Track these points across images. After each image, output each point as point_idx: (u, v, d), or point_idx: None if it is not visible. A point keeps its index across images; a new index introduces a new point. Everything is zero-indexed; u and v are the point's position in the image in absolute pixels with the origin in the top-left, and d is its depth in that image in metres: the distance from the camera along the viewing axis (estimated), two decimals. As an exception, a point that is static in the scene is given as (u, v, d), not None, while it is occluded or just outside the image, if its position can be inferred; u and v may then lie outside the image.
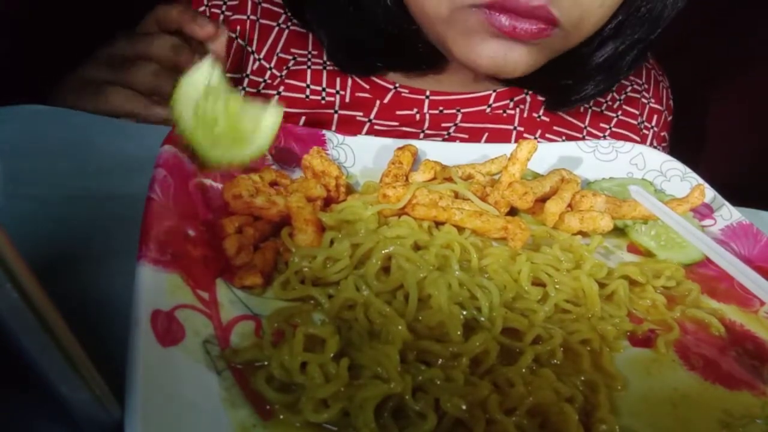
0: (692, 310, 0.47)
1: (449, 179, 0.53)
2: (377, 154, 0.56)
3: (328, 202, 0.49)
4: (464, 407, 0.33)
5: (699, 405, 0.39)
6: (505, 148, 0.57)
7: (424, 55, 0.68)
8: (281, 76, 0.71)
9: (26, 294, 0.21)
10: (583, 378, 0.38)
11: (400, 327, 0.37)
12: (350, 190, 0.52)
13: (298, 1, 0.70)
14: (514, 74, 0.62)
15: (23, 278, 0.21)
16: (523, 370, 0.37)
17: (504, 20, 0.55)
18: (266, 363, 0.34)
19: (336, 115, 0.71)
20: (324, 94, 0.71)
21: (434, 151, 0.57)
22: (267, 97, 0.69)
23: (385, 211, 0.48)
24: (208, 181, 0.46)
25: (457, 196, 0.50)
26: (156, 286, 0.34)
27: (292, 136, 0.54)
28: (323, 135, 0.55)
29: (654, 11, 0.65)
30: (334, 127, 0.71)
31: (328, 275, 0.41)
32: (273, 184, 0.49)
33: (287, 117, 0.69)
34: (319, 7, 0.67)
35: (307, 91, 0.71)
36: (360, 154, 0.55)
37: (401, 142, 0.56)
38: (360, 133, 0.71)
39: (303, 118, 0.71)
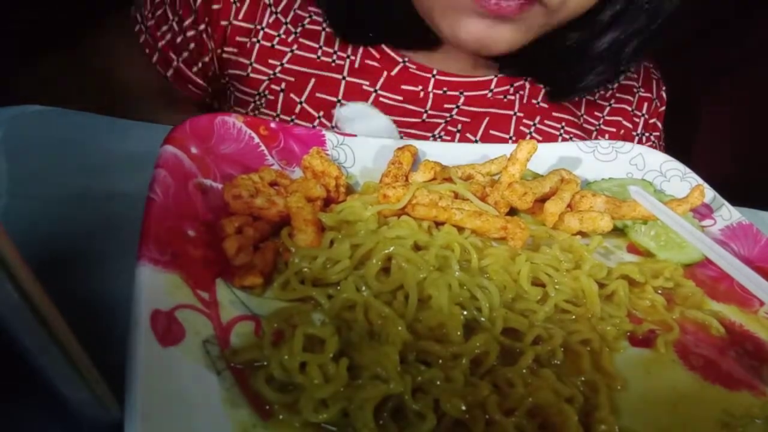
0: (692, 311, 0.47)
1: (449, 179, 0.53)
2: (377, 155, 0.56)
3: (327, 203, 0.49)
4: (464, 408, 0.33)
5: (699, 405, 0.39)
6: (505, 149, 0.57)
7: (421, 32, 0.69)
8: (296, 33, 0.71)
9: (26, 294, 0.21)
10: (583, 378, 0.38)
11: (399, 328, 0.37)
12: (350, 190, 0.52)
13: None
14: (496, 51, 0.64)
15: (23, 278, 0.21)
16: (524, 371, 0.37)
17: (491, 1, 0.57)
18: (266, 363, 0.34)
19: (344, 82, 0.72)
20: (335, 56, 0.72)
21: (434, 151, 0.57)
22: (279, 53, 0.71)
23: (385, 212, 0.48)
24: (208, 181, 0.46)
25: (456, 196, 0.50)
26: (156, 286, 0.34)
27: (292, 137, 0.54)
28: (323, 135, 0.55)
29: (654, 0, 0.66)
30: (340, 94, 0.72)
31: (328, 276, 0.41)
32: (273, 184, 0.49)
33: (297, 75, 0.70)
34: None
35: (319, 52, 0.71)
36: (360, 155, 0.55)
37: (401, 143, 0.56)
38: (365, 101, 0.71)
39: (313, 80, 0.71)
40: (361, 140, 0.56)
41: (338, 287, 0.41)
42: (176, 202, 0.41)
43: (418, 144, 0.56)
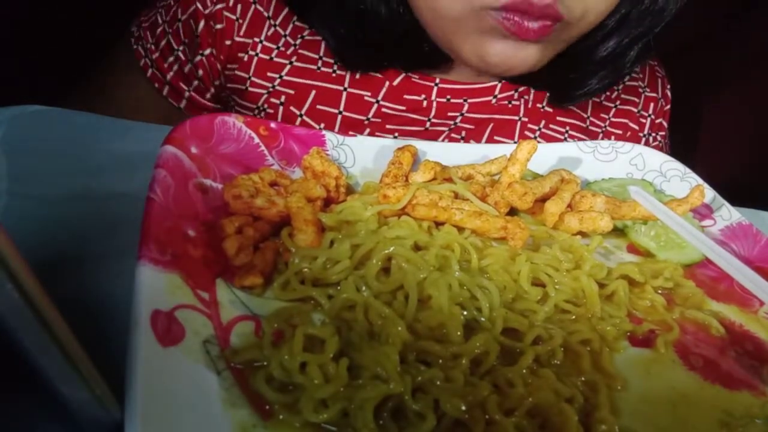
0: (692, 311, 0.47)
1: (449, 180, 0.53)
2: (377, 155, 0.56)
3: (328, 203, 0.49)
4: (464, 408, 0.33)
5: (698, 405, 0.39)
6: (505, 149, 0.57)
7: (428, 54, 0.68)
8: (295, 45, 0.71)
9: (26, 294, 0.21)
10: (583, 378, 0.38)
11: (399, 328, 0.37)
12: (350, 190, 0.52)
13: (302, 2, 0.70)
14: (521, 70, 0.64)
15: (23, 278, 0.21)
16: (524, 371, 0.37)
17: (517, 22, 0.57)
18: (266, 363, 0.34)
19: (345, 93, 0.71)
20: (335, 67, 0.71)
21: (434, 151, 0.57)
22: (278, 65, 0.70)
23: (385, 212, 0.48)
24: (208, 181, 0.46)
25: (456, 196, 0.50)
26: (156, 286, 0.34)
27: (292, 137, 0.54)
28: (323, 135, 0.55)
29: (657, 4, 0.66)
30: (341, 106, 0.71)
31: (328, 276, 0.41)
32: (273, 184, 0.49)
33: (297, 87, 0.70)
34: (324, 7, 0.67)
35: (319, 63, 0.71)
36: (360, 155, 0.55)
37: (401, 143, 0.56)
38: (367, 113, 0.71)
39: (313, 92, 0.71)
40: (361, 140, 0.56)
41: (338, 287, 0.41)
42: (176, 202, 0.41)
43: (418, 144, 0.56)
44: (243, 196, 0.44)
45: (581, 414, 0.35)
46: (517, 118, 0.76)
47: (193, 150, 0.46)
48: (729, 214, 0.58)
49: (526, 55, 0.61)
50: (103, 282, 0.38)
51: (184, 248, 0.39)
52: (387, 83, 0.72)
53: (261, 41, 0.70)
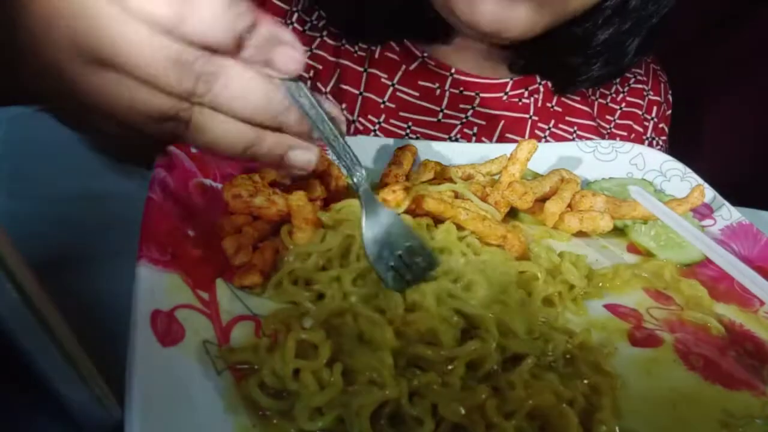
0: (692, 311, 0.46)
1: (449, 179, 0.53)
2: (377, 154, 0.56)
3: (328, 202, 0.49)
4: (463, 412, 0.33)
5: (699, 405, 0.39)
6: (505, 148, 0.57)
7: (431, 23, 0.69)
8: (326, 19, 0.72)
9: (26, 294, 0.21)
10: (585, 381, 0.38)
11: (388, 336, 0.36)
12: (350, 190, 0.52)
13: None
14: (514, 33, 0.62)
15: (23, 278, 0.21)
16: (524, 373, 0.37)
17: None
18: (258, 368, 0.34)
19: (365, 74, 0.72)
20: (356, 48, 0.73)
21: (434, 151, 0.57)
22: (310, 38, 0.71)
23: (385, 211, 0.47)
24: (208, 181, 0.46)
25: (457, 196, 0.50)
26: (156, 286, 0.34)
27: (292, 136, 0.53)
28: (323, 135, 0.54)
29: None
30: (362, 86, 0.72)
31: (320, 279, 0.41)
32: (273, 183, 0.49)
33: (324, 63, 0.71)
34: None
35: (343, 40, 0.72)
36: (360, 155, 0.55)
37: (401, 142, 0.56)
38: (383, 96, 0.72)
39: (338, 71, 0.72)
40: (362, 140, 0.56)
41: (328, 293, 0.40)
42: (176, 202, 0.41)
43: (419, 144, 0.56)
44: (243, 195, 0.44)
45: (581, 415, 0.35)
46: (527, 116, 0.76)
47: (193, 149, 0.46)
48: (729, 214, 0.58)
49: (517, 16, 0.60)
50: (103, 282, 0.38)
51: (184, 248, 0.39)
52: (404, 66, 0.73)
53: (298, 11, 0.71)
